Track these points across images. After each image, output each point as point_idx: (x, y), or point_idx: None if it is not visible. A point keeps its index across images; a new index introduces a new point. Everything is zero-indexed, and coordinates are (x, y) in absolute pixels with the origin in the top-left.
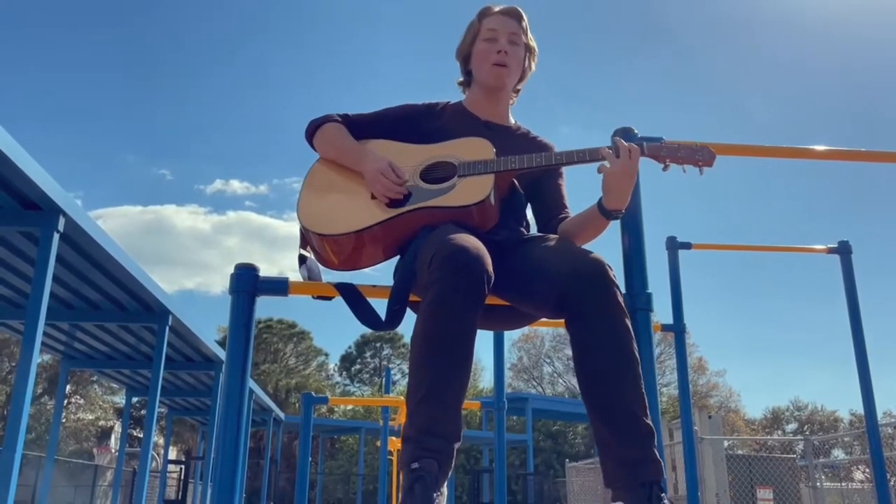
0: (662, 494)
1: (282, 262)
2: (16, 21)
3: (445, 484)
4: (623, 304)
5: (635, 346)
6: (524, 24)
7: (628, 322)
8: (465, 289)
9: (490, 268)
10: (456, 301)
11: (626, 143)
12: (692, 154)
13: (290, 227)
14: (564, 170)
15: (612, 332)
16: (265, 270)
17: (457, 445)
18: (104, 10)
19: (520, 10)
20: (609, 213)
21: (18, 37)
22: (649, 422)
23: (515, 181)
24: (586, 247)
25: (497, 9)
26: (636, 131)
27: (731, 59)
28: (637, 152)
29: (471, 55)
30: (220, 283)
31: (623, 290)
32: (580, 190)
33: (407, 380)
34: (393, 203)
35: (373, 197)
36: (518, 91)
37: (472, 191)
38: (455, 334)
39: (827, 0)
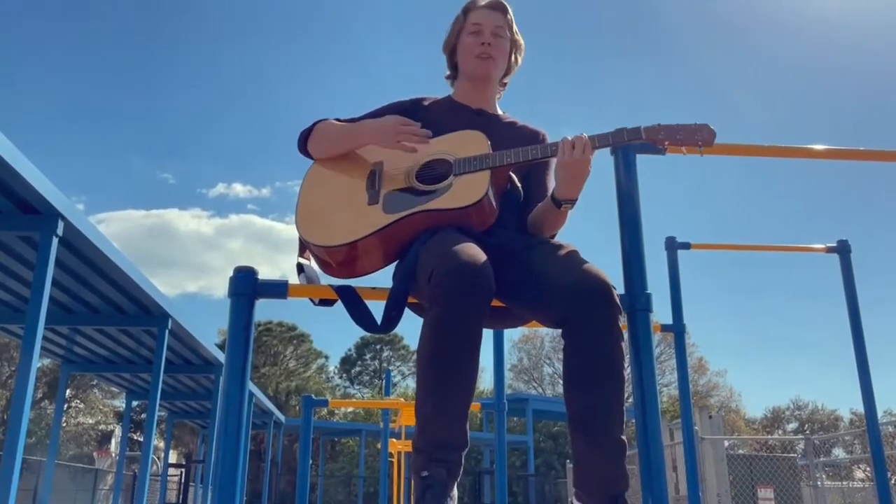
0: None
1: (284, 265)
2: (20, 25)
3: (455, 487)
4: (622, 327)
5: (625, 366)
6: (509, 17)
7: (623, 344)
8: (467, 307)
9: (492, 281)
10: (459, 320)
11: (584, 137)
12: (691, 134)
13: (293, 230)
14: (552, 162)
15: (605, 353)
16: (268, 273)
17: (465, 451)
18: (109, 12)
19: (505, 3)
20: (559, 203)
21: (23, 40)
22: (623, 437)
23: (512, 174)
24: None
25: (482, 3)
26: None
27: (729, 60)
28: (589, 147)
29: (456, 48)
30: (222, 286)
31: (617, 287)
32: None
33: (414, 387)
34: (389, 206)
35: (369, 203)
36: (505, 85)
37: (468, 190)
38: (460, 349)
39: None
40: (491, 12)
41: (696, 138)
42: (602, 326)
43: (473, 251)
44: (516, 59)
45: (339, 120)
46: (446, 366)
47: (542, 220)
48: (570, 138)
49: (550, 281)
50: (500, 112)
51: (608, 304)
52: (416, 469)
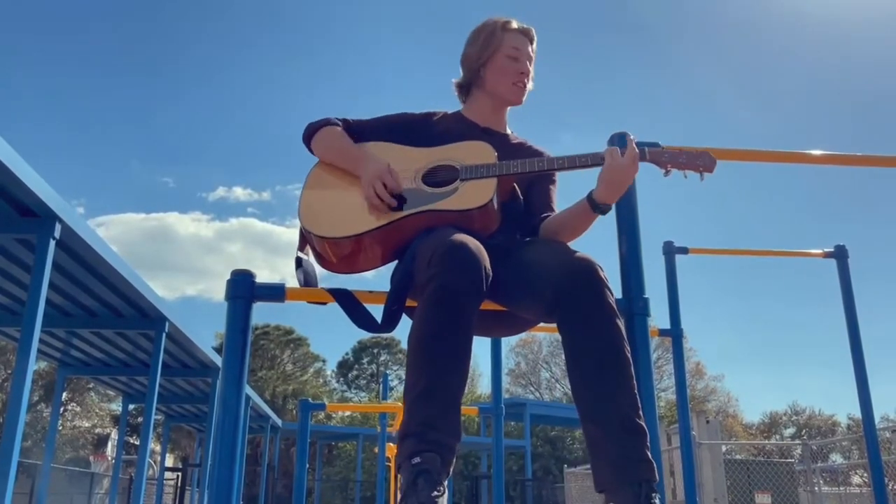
0: (654, 494)
1: (284, 269)
2: (23, 31)
3: (446, 482)
4: (614, 305)
5: (627, 346)
6: (535, 46)
7: (619, 323)
8: (463, 283)
9: (488, 264)
10: (455, 296)
11: (636, 148)
12: (693, 160)
13: (293, 234)
14: (558, 178)
15: (603, 333)
16: (267, 277)
17: (458, 443)
18: (108, 17)
19: (534, 32)
20: (598, 206)
21: (24, 44)
22: (641, 422)
23: (516, 186)
24: (577, 248)
25: (516, 26)
26: (632, 136)
27: (721, 65)
28: (638, 156)
29: (487, 63)
30: (222, 289)
31: (615, 291)
32: (576, 197)
33: (404, 377)
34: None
35: None
36: None
37: (474, 194)
38: (453, 329)
39: (810, 4)
40: (526, 40)
41: (698, 164)
42: (592, 304)
43: (471, 238)
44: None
45: (347, 122)
46: (439, 345)
47: (566, 223)
48: (616, 149)
49: (540, 267)
50: (508, 132)
51: (596, 282)
52: (406, 455)
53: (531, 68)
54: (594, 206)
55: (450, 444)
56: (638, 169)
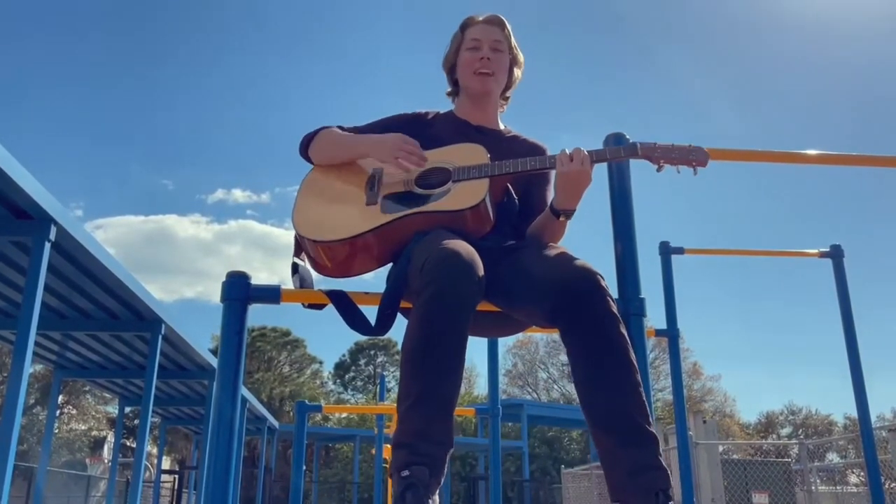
0: (671, 502)
1: (282, 271)
2: (22, 33)
3: (438, 491)
4: (617, 313)
5: (633, 353)
6: (507, 31)
7: (624, 330)
8: (456, 293)
9: (482, 273)
10: (447, 305)
11: (581, 150)
12: (686, 154)
13: (291, 236)
14: (553, 175)
15: (608, 341)
16: (266, 279)
17: (450, 451)
18: (107, 20)
19: (503, 18)
20: (557, 213)
21: (24, 48)
22: (653, 429)
23: (510, 186)
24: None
25: (480, 18)
26: (628, 137)
27: (713, 69)
28: (587, 159)
29: (455, 65)
30: (220, 291)
31: (616, 296)
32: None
33: (398, 385)
34: (387, 207)
35: (367, 203)
36: (507, 98)
37: (466, 195)
38: (446, 338)
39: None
40: (489, 27)
41: (691, 158)
42: (596, 314)
43: (464, 245)
44: (516, 73)
45: (341, 128)
46: (432, 354)
47: (541, 232)
48: (567, 151)
49: (539, 276)
50: (501, 127)
51: (598, 293)
52: (396, 467)
53: (504, 54)
54: (555, 213)
55: (440, 454)
56: (588, 170)
